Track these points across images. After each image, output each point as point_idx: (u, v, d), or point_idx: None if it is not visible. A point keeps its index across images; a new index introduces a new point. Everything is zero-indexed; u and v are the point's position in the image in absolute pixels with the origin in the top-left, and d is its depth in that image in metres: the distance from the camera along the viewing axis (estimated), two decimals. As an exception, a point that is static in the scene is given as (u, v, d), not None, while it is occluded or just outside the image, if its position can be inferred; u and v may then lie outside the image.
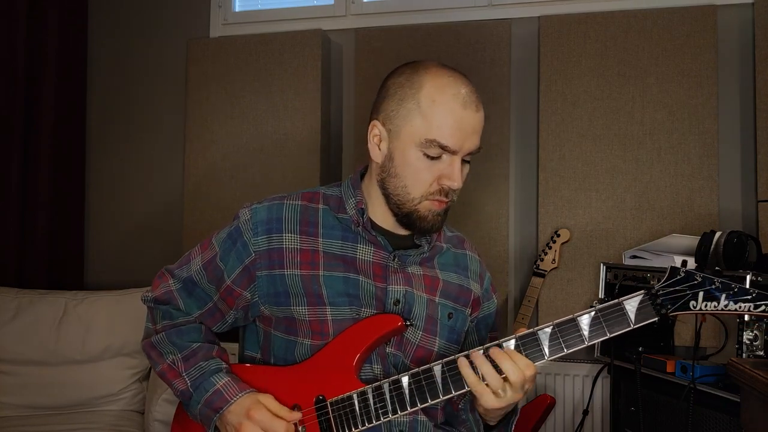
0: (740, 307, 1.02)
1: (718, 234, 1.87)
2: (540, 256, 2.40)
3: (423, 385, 1.14)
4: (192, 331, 1.29)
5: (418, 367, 1.15)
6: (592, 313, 1.09)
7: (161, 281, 1.32)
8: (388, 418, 1.15)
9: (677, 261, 2.00)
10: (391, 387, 1.15)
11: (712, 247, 1.85)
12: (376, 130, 1.22)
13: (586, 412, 2.32)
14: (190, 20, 2.88)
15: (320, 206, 1.27)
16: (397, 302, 1.23)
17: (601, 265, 2.20)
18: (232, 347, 1.77)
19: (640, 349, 2.01)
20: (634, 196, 2.38)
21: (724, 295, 1.03)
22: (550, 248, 2.39)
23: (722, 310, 1.03)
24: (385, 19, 2.70)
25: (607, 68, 2.43)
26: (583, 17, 2.46)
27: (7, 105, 2.60)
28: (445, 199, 1.20)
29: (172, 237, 2.81)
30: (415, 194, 1.19)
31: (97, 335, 2.39)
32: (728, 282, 1.03)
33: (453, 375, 1.12)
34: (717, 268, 1.81)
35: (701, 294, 1.04)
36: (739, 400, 1.59)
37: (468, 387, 1.10)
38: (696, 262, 1.89)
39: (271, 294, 1.23)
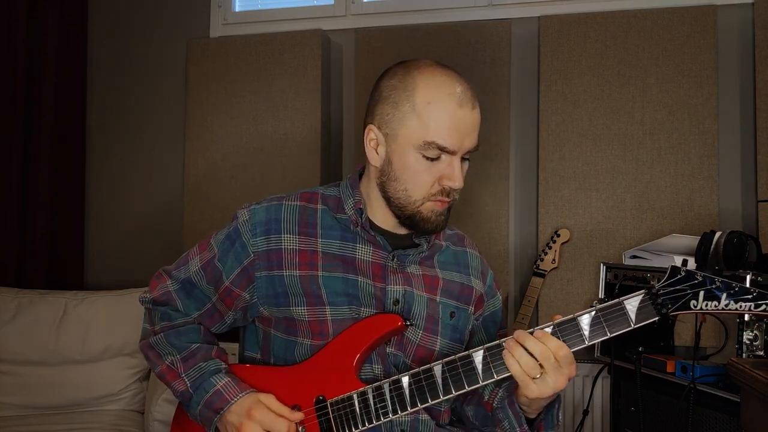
0: (741, 306, 1.01)
1: (718, 234, 1.87)
2: (540, 256, 2.40)
3: (423, 385, 1.13)
4: (191, 331, 1.28)
5: (420, 366, 1.15)
6: (593, 312, 1.08)
7: (159, 282, 1.32)
8: (388, 418, 1.15)
9: (677, 261, 2.00)
10: (392, 387, 1.15)
11: (712, 247, 1.85)
12: (372, 134, 1.21)
13: (586, 412, 2.32)
14: (190, 20, 2.88)
15: (319, 207, 1.27)
16: (396, 302, 1.23)
17: (601, 265, 2.20)
18: (233, 347, 1.77)
19: (640, 349, 2.01)
20: (634, 196, 2.38)
21: (724, 295, 1.03)
22: (550, 248, 2.39)
23: (723, 309, 1.03)
24: (385, 19, 2.70)
25: (607, 68, 2.43)
26: (583, 17, 2.45)
27: (7, 105, 2.60)
28: (447, 199, 1.20)
29: (172, 237, 2.80)
30: (416, 197, 1.19)
31: (97, 335, 2.39)
32: (729, 281, 1.02)
33: (453, 375, 1.12)
34: (717, 268, 1.81)
35: (702, 293, 1.04)
36: (739, 400, 1.59)
37: (512, 375, 1.07)
38: (696, 262, 1.89)
39: (270, 295, 1.23)
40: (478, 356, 1.12)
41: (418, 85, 1.16)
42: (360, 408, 1.16)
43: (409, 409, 1.14)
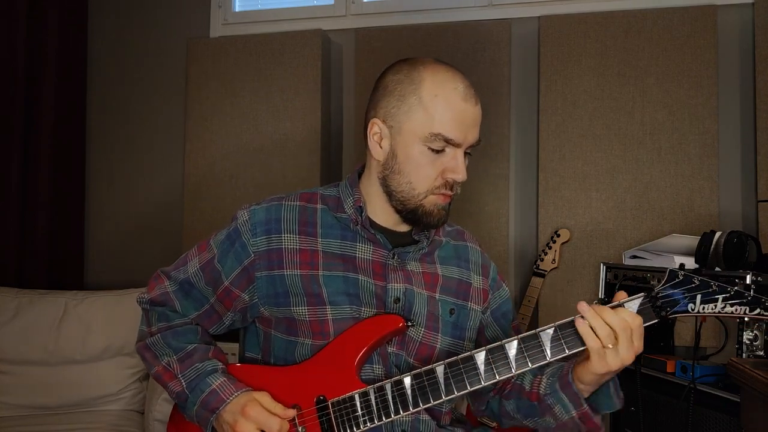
0: (737, 310, 1.05)
1: (718, 234, 1.87)
2: (540, 256, 2.40)
3: (426, 386, 1.14)
4: (188, 332, 1.28)
5: (422, 364, 1.16)
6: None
7: (157, 283, 1.32)
8: (390, 419, 1.15)
9: (677, 261, 2.01)
10: (394, 387, 1.15)
11: (712, 247, 1.85)
12: (376, 128, 1.23)
13: (586, 412, 2.31)
14: (190, 20, 2.88)
15: (318, 206, 1.27)
16: (397, 300, 1.23)
17: (601, 265, 2.20)
18: (233, 348, 1.77)
19: (640, 349, 2.00)
20: (635, 196, 2.38)
21: (720, 298, 1.05)
22: (550, 248, 2.39)
23: (719, 312, 1.05)
24: (385, 19, 2.70)
25: (607, 68, 2.43)
26: (583, 17, 2.45)
27: (7, 105, 2.60)
28: (450, 192, 1.21)
29: (172, 237, 2.81)
30: (420, 189, 1.20)
31: (97, 335, 2.39)
32: (725, 285, 1.05)
33: (456, 375, 1.13)
34: (717, 269, 1.82)
35: (699, 297, 1.07)
36: (739, 400, 1.59)
37: (588, 347, 1.07)
38: (696, 262, 1.89)
39: (271, 295, 1.23)
40: (480, 357, 1.12)
41: (424, 79, 1.18)
42: (362, 408, 1.16)
43: (411, 409, 1.14)
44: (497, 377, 1.12)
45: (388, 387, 1.15)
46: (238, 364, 1.29)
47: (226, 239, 1.26)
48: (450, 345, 1.28)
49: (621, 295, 1.12)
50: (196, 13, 2.88)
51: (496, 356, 1.12)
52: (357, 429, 1.16)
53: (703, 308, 1.06)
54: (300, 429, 1.18)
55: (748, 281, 1.69)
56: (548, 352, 1.11)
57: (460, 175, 1.19)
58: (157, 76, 2.91)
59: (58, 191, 2.76)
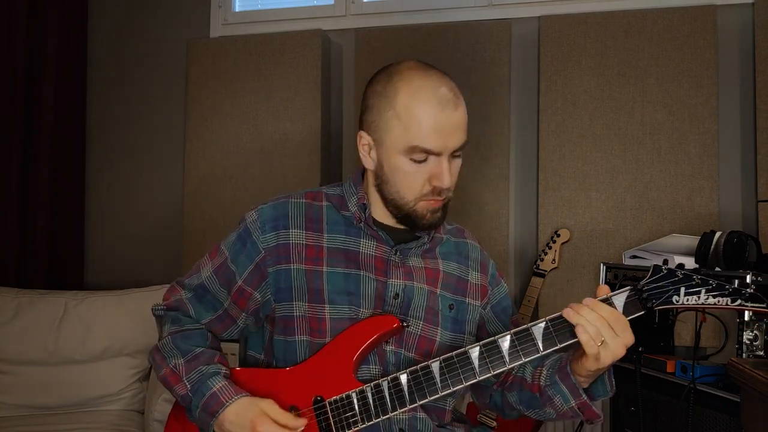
0: (719, 301, 1.08)
1: (718, 234, 1.87)
2: (540, 256, 2.40)
3: (422, 382, 1.16)
4: (197, 336, 1.29)
5: (423, 357, 1.19)
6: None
7: (172, 294, 1.34)
8: (387, 416, 1.17)
9: (677, 261, 2.00)
10: (391, 385, 1.17)
11: (712, 247, 1.85)
12: (363, 140, 1.25)
13: (586, 412, 2.32)
14: (190, 20, 2.88)
15: (324, 203, 1.30)
16: (396, 296, 1.25)
17: (601, 265, 2.20)
18: (233, 348, 1.76)
19: (640, 349, 2.00)
20: (634, 196, 2.38)
21: (703, 290, 1.09)
22: (550, 248, 2.39)
23: (703, 304, 1.09)
24: (385, 19, 2.70)
25: (607, 68, 2.43)
26: (583, 17, 2.45)
27: (7, 105, 2.60)
28: (439, 198, 1.22)
29: (172, 237, 2.81)
30: (409, 197, 1.21)
31: (97, 335, 2.39)
32: (706, 278, 1.10)
33: (451, 371, 1.16)
34: (717, 269, 1.82)
35: (683, 289, 1.11)
36: (739, 400, 1.59)
37: (582, 345, 1.10)
38: (696, 262, 1.89)
39: (277, 290, 1.25)
40: (475, 352, 1.15)
41: (399, 91, 1.18)
42: (359, 406, 1.17)
43: (408, 405, 1.16)
44: (491, 371, 1.15)
45: (384, 385, 1.17)
46: (238, 368, 1.29)
47: (237, 240, 1.28)
48: (451, 339, 1.30)
49: (603, 290, 1.14)
50: (196, 13, 2.88)
51: (491, 351, 1.15)
52: (355, 427, 1.17)
53: (687, 300, 1.10)
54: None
55: (748, 281, 1.69)
56: (540, 345, 1.14)
57: (445, 182, 1.19)
58: (157, 76, 2.91)
59: (58, 191, 2.76)
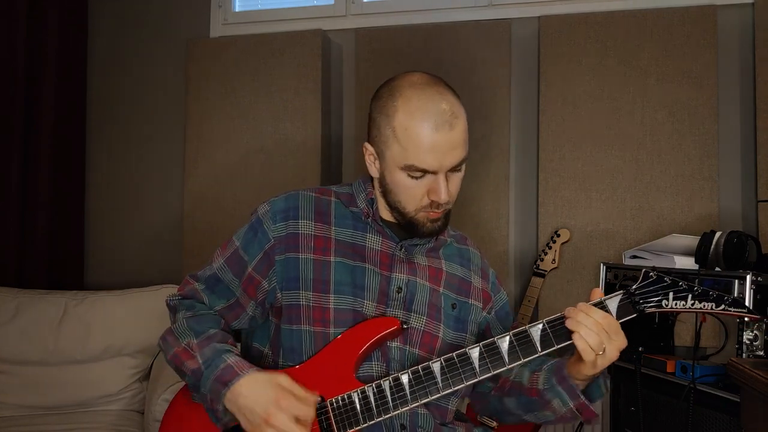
0: (705, 306, 1.14)
1: (718, 234, 1.87)
2: (540, 256, 2.40)
3: (423, 382, 1.18)
4: (211, 320, 1.30)
5: (427, 353, 1.23)
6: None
7: (185, 285, 1.37)
8: (389, 415, 1.18)
9: (677, 261, 2.01)
10: (392, 384, 1.19)
11: (712, 247, 1.85)
12: (368, 150, 1.29)
13: (586, 412, 2.31)
14: (190, 20, 2.88)
15: (332, 198, 1.35)
16: (399, 290, 1.29)
17: (601, 265, 2.20)
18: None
19: (640, 349, 2.01)
20: (635, 196, 2.38)
21: (690, 296, 1.15)
22: (550, 248, 2.39)
23: (690, 308, 1.15)
24: (385, 19, 2.70)
25: (607, 68, 2.43)
26: (583, 17, 2.45)
27: (7, 105, 2.60)
28: (437, 211, 1.26)
29: (172, 237, 2.81)
30: (409, 208, 1.26)
31: (97, 335, 2.39)
32: (692, 284, 1.15)
33: (452, 371, 1.18)
34: (717, 269, 1.82)
35: (671, 294, 1.16)
36: (739, 400, 1.59)
37: (581, 353, 1.13)
38: (696, 262, 1.89)
39: (284, 279, 1.27)
40: (475, 352, 1.18)
41: (397, 110, 1.20)
42: (361, 406, 1.19)
43: (410, 405, 1.18)
44: (491, 371, 1.17)
45: (386, 384, 1.19)
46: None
47: (249, 230, 1.32)
48: (453, 338, 1.32)
49: (597, 293, 1.18)
50: (196, 13, 2.88)
51: (490, 351, 1.18)
52: (356, 426, 1.18)
53: (676, 304, 1.15)
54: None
55: (748, 281, 1.69)
56: (538, 346, 1.17)
57: (443, 198, 1.21)
58: (157, 76, 2.91)
59: (58, 191, 2.76)
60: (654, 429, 1.95)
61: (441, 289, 1.33)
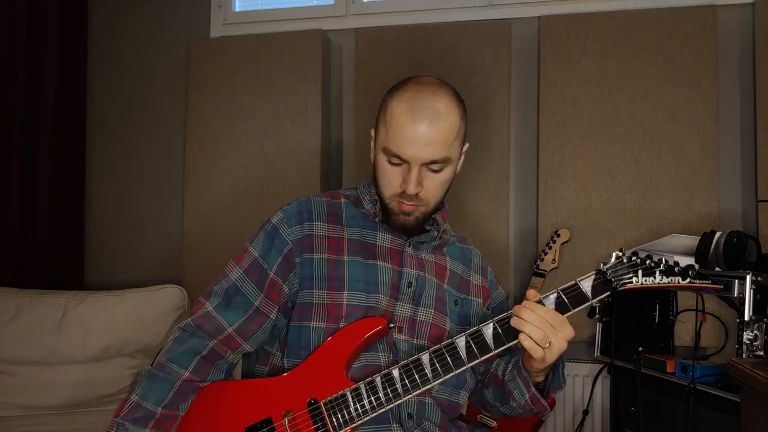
0: (672, 280, 1.22)
1: (718, 234, 1.87)
2: (540, 256, 2.40)
3: (414, 374, 1.22)
4: (164, 387, 1.26)
5: (435, 344, 1.26)
6: (555, 294, 1.23)
7: (198, 308, 1.35)
8: (383, 409, 1.21)
9: (677, 261, 2.00)
10: (384, 379, 1.22)
11: (712, 247, 1.85)
12: (372, 135, 1.37)
13: (586, 412, 2.32)
14: (190, 20, 2.88)
15: (342, 201, 1.43)
16: (409, 284, 1.34)
17: (601, 265, 2.20)
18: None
19: (640, 349, 2.01)
20: (634, 196, 2.38)
21: (657, 272, 1.23)
22: (550, 248, 2.39)
23: (659, 283, 1.23)
24: (385, 19, 2.70)
25: (608, 69, 2.43)
26: (583, 17, 2.45)
27: (7, 105, 2.59)
28: (407, 203, 1.30)
29: (172, 237, 2.81)
30: (386, 194, 1.33)
31: (97, 335, 2.39)
32: (659, 262, 1.24)
33: (441, 360, 1.22)
34: (718, 268, 1.82)
35: (640, 272, 1.23)
36: (739, 400, 1.59)
37: (527, 349, 1.18)
38: (696, 262, 1.89)
39: (302, 278, 1.32)
40: (461, 341, 1.23)
41: (394, 97, 1.29)
42: (354, 403, 1.21)
43: (402, 398, 1.21)
44: (479, 357, 1.21)
45: (378, 380, 1.22)
46: (226, 381, 1.31)
47: (266, 238, 1.35)
48: (457, 332, 1.34)
49: (532, 294, 1.23)
50: (196, 13, 2.88)
51: (476, 339, 1.23)
52: (352, 424, 1.21)
53: (645, 280, 1.23)
54: None
55: (748, 281, 1.70)
56: (491, 345, 1.22)
57: (410, 189, 1.26)
58: (157, 76, 2.91)
59: (58, 191, 2.76)
60: (654, 429, 1.95)
61: (445, 286, 1.40)
